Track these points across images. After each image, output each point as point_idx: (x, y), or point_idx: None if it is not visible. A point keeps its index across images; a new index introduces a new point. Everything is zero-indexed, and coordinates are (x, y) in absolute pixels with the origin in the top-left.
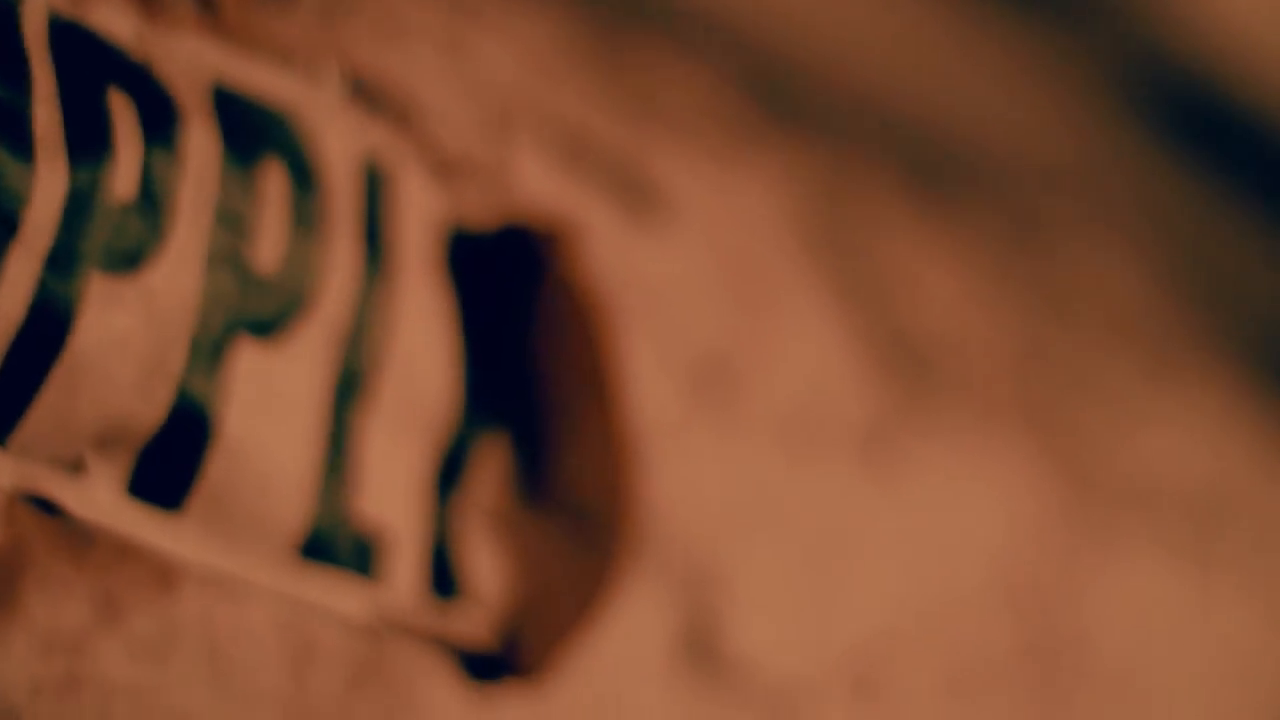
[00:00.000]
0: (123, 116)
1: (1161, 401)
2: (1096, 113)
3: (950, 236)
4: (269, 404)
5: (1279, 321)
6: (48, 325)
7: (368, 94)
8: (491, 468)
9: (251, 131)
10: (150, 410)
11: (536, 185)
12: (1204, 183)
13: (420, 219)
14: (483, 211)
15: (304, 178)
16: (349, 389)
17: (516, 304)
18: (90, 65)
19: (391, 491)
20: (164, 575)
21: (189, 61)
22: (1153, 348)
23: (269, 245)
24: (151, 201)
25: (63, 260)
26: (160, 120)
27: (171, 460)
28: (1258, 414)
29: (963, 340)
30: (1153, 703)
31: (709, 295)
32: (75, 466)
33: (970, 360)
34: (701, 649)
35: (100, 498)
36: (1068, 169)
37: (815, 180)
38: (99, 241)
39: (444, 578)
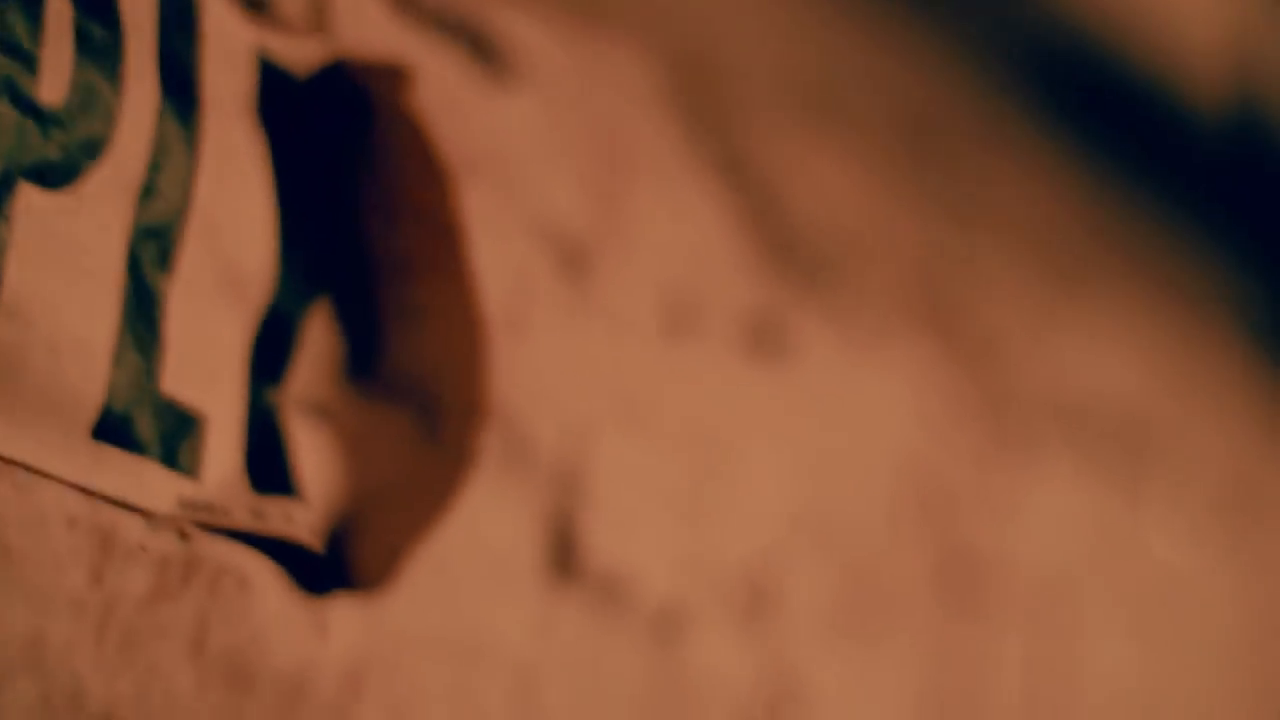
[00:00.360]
0: None
1: (1081, 316)
2: (993, 48)
3: (839, 135)
4: (57, 260)
5: (1200, 255)
6: None
7: None
8: (318, 344)
9: None
10: None
11: (361, 26)
12: (1104, 134)
13: (228, 55)
14: (301, 51)
15: (91, 1)
16: (149, 247)
17: (342, 155)
18: None
19: (202, 368)
20: None
21: None
22: (1066, 264)
23: (52, 80)
24: None
25: None
26: None
27: None
28: (1185, 340)
29: (860, 237)
30: (1078, 624)
31: (569, 162)
32: None
33: (870, 257)
34: (566, 562)
35: None
36: (963, 82)
37: (686, 54)
38: None
39: (264, 470)
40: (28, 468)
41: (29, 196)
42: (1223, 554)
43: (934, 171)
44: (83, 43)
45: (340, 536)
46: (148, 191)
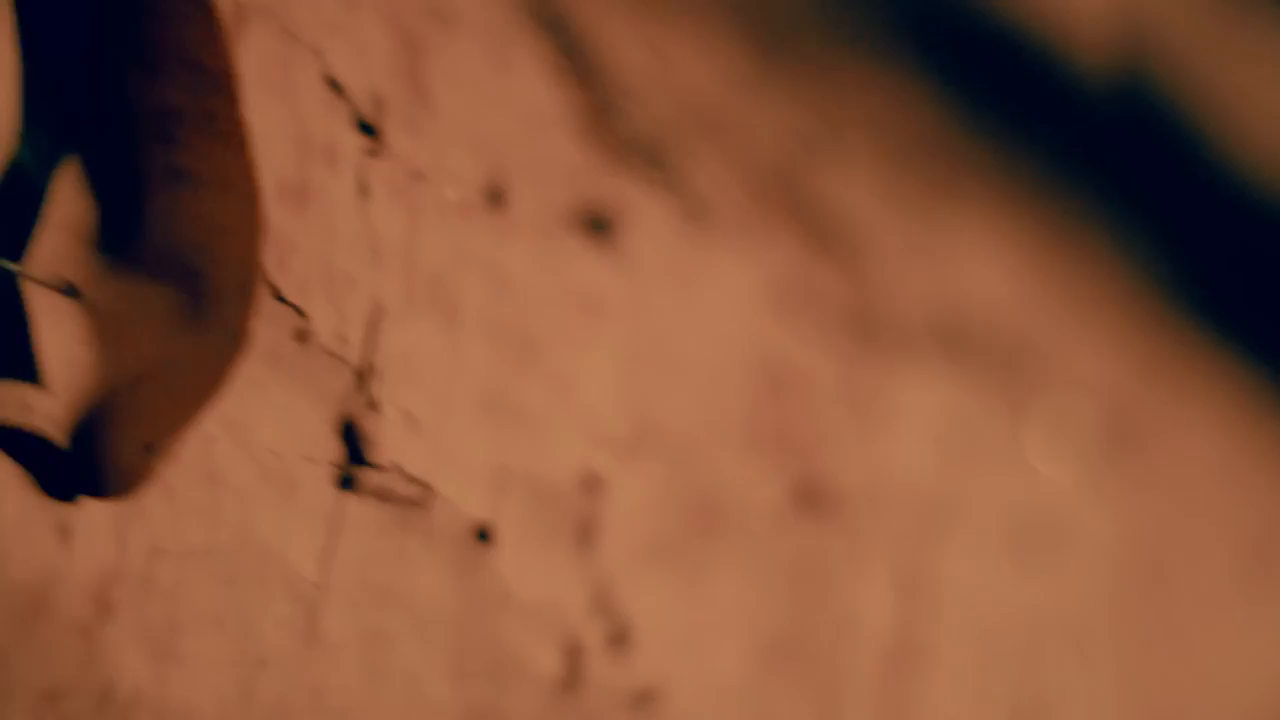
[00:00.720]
0: None
1: (959, 226)
2: None
3: (680, 18)
4: None
5: (1083, 199)
6: None
7: None
8: (66, 210)
9: None
10: None
11: None
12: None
13: None
14: None
15: None
16: None
17: None
18: None
19: None
20: None
21: None
22: (941, 179)
23: None
24: None
25: None
26: None
27: None
28: (1067, 270)
29: (708, 117)
30: (949, 544)
31: (365, 5)
32: None
33: (720, 140)
34: (356, 470)
35: None
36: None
37: None
38: None
39: (1, 353)
40: None
41: None
42: (1104, 474)
43: (792, 73)
44: None
45: (89, 431)
46: None
